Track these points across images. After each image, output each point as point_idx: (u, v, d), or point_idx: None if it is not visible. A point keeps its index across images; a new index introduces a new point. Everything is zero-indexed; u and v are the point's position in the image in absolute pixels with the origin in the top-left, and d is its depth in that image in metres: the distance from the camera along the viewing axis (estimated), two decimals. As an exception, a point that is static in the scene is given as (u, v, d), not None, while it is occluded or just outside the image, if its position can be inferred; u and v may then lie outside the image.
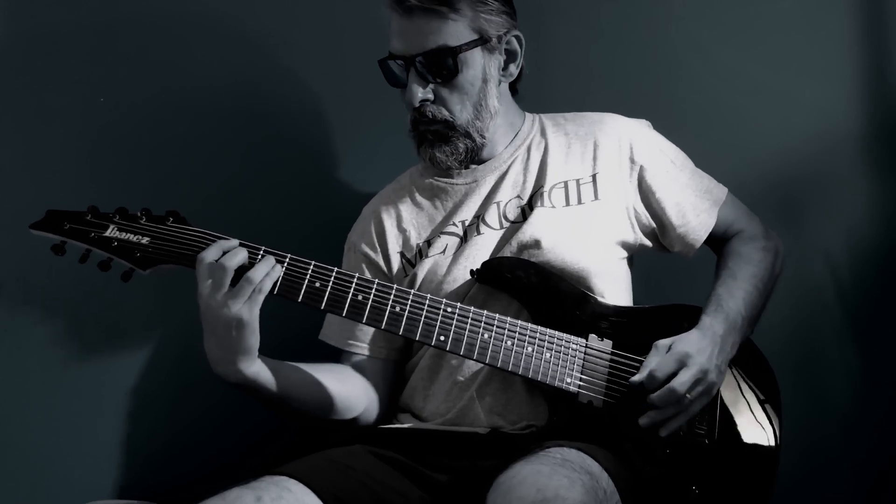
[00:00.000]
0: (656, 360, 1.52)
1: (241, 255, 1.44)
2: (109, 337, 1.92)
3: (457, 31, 1.60)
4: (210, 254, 1.43)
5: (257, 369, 1.47)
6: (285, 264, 1.48)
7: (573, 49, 2.08)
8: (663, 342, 1.55)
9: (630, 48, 2.08)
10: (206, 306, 1.42)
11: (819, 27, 2.05)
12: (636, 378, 1.52)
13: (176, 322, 1.93)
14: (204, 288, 1.42)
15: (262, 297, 1.43)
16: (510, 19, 1.67)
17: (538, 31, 1.75)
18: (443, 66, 1.61)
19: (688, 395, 1.50)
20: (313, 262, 1.50)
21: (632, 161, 1.69)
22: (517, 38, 1.68)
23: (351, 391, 1.64)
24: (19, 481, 1.85)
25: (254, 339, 1.44)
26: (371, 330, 1.69)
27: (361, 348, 1.70)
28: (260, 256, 1.46)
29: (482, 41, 1.62)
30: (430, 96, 1.63)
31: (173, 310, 1.91)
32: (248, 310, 1.41)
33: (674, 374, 1.50)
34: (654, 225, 1.71)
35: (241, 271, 1.43)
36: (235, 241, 1.47)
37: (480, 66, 1.64)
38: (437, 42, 1.59)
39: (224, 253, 1.44)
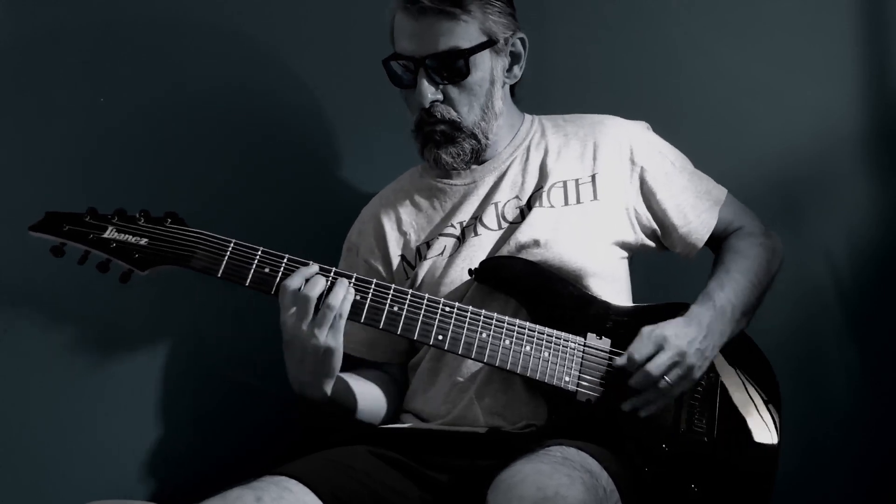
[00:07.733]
0: (636, 345, 1.53)
1: (321, 283, 1.46)
2: (110, 338, 1.91)
3: (468, 32, 1.60)
4: (293, 282, 1.46)
5: (337, 387, 1.55)
6: (283, 263, 1.49)
7: (573, 49, 2.08)
8: (647, 328, 1.55)
9: (630, 48, 2.08)
10: (293, 336, 1.45)
11: (820, 27, 2.05)
12: (618, 361, 1.54)
13: (177, 323, 1.93)
14: (289, 317, 1.45)
15: (343, 322, 1.46)
16: (514, 21, 1.67)
17: (538, 32, 1.74)
18: (454, 68, 1.61)
19: (665, 378, 1.51)
20: (312, 263, 1.50)
21: (632, 162, 1.69)
22: (521, 40, 1.68)
23: (381, 395, 1.70)
24: (20, 481, 1.85)
25: (339, 363, 1.49)
26: (384, 337, 1.69)
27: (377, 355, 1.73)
28: (330, 279, 1.48)
29: (491, 43, 1.63)
30: (440, 97, 1.63)
31: (175, 311, 1.91)
32: (332, 337, 1.45)
33: (651, 357, 1.51)
34: (655, 226, 1.71)
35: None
36: (315, 267, 1.49)
37: (488, 68, 1.64)
38: (449, 44, 1.59)
39: (306, 281, 1.46)
